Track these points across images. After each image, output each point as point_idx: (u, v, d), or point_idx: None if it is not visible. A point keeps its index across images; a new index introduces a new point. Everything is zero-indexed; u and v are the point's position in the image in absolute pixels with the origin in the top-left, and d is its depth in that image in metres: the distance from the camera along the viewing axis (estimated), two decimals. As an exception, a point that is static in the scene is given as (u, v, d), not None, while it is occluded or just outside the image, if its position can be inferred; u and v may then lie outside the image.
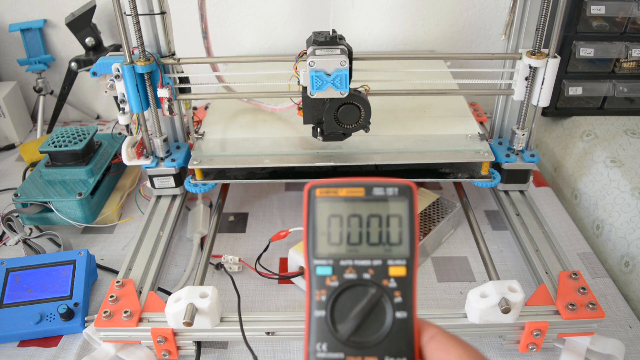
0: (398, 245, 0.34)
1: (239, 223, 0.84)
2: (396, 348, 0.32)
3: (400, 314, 0.33)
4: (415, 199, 0.33)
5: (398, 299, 0.33)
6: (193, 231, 0.79)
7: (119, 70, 0.68)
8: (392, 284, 0.33)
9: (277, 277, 0.72)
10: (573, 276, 0.62)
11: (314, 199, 0.34)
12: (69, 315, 0.64)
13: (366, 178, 0.34)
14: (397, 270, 0.33)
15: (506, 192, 0.79)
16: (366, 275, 0.33)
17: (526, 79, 0.71)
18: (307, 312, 0.34)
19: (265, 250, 0.74)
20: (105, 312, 0.58)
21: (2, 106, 1.03)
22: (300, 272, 0.69)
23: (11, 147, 1.06)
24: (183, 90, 0.74)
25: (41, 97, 1.08)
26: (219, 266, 0.73)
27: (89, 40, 1.00)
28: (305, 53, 0.65)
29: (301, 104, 0.68)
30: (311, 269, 0.34)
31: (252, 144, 0.76)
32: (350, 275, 0.34)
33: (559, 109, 0.96)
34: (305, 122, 0.70)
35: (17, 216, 0.78)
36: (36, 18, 1.06)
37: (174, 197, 0.80)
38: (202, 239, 0.79)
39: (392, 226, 0.34)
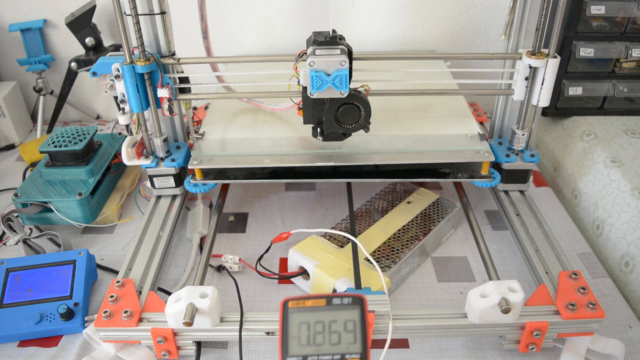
0: (353, 343, 0.43)
1: (239, 223, 0.84)
2: None
3: None
4: (365, 306, 0.44)
5: None
6: (193, 231, 0.79)
7: (119, 70, 0.68)
8: None
9: (277, 277, 0.72)
10: (573, 276, 0.62)
11: (287, 309, 0.44)
12: (69, 315, 0.64)
13: (328, 294, 0.45)
14: None
15: (506, 192, 0.79)
16: None
17: (526, 79, 0.71)
18: None
19: (266, 251, 0.74)
20: (105, 312, 0.58)
21: (2, 106, 1.03)
22: (301, 272, 0.69)
23: (11, 147, 1.06)
24: (183, 90, 0.74)
25: (41, 97, 1.08)
26: (220, 268, 0.73)
27: (89, 40, 1.00)
28: (305, 53, 0.65)
29: (301, 104, 0.68)
30: None
31: (252, 144, 0.76)
32: None
33: (559, 109, 0.96)
34: (305, 122, 0.70)
35: (17, 216, 0.78)
36: (36, 18, 1.06)
37: (174, 197, 0.80)
38: (202, 239, 0.79)
39: (347, 328, 0.43)
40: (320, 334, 0.43)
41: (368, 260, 0.68)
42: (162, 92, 0.71)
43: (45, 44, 1.08)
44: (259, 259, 0.73)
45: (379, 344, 0.62)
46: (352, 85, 0.66)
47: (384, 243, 0.71)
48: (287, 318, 0.44)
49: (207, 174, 0.75)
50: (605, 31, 0.88)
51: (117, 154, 0.87)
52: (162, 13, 0.70)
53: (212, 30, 0.77)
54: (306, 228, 0.74)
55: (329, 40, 0.64)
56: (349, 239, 0.71)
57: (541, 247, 0.68)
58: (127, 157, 0.74)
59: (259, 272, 0.72)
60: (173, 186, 0.79)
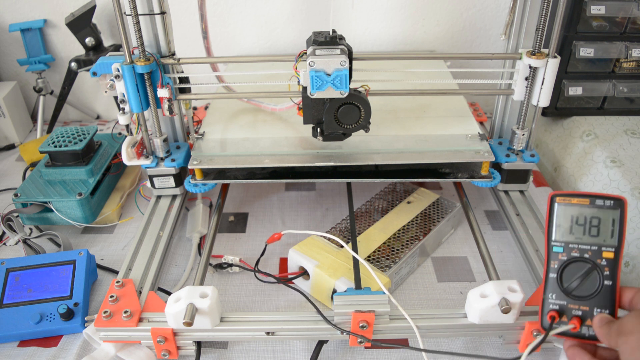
0: (610, 238, 0.51)
1: (239, 223, 0.84)
2: (603, 303, 0.51)
3: (607, 282, 0.51)
4: (625, 209, 0.50)
5: (607, 272, 0.51)
6: (192, 231, 0.79)
7: (119, 70, 0.68)
8: (603, 262, 0.51)
9: (276, 281, 0.72)
10: (573, 276, 0.62)
11: (554, 202, 0.52)
12: (69, 315, 0.64)
13: (591, 192, 0.51)
14: (607, 254, 0.51)
15: (506, 192, 0.79)
16: (586, 255, 0.51)
17: (526, 79, 0.71)
18: (544, 275, 0.53)
19: (262, 254, 0.74)
20: (105, 312, 0.58)
21: (2, 106, 1.03)
22: (301, 273, 0.69)
23: (11, 147, 1.06)
24: (183, 90, 0.74)
25: (41, 97, 1.08)
26: (223, 265, 0.73)
27: (89, 40, 1.00)
28: (305, 53, 0.65)
29: (301, 104, 0.68)
30: (549, 247, 0.53)
31: (252, 144, 0.76)
32: (575, 254, 0.51)
33: (559, 109, 0.96)
34: (305, 122, 0.70)
35: (17, 216, 0.78)
36: (36, 18, 1.06)
37: (174, 197, 0.80)
38: (202, 239, 0.79)
39: (607, 226, 0.51)
40: (581, 227, 0.51)
41: (367, 260, 0.68)
42: (162, 92, 0.71)
43: (45, 44, 1.08)
44: (257, 263, 0.73)
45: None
46: (352, 85, 0.66)
47: (384, 243, 0.71)
48: (554, 209, 0.52)
49: (207, 174, 0.75)
50: (605, 31, 0.88)
51: (117, 154, 0.87)
52: (162, 13, 0.70)
53: (212, 30, 0.77)
54: (305, 228, 0.74)
55: (329, 40, 0.64)
56: (348, 239, 0.71)
57: (541, 247, 0.68)
58: (127, 157, 0.74)
59: (257, 278, 0.71)
60: (173, 186, 0.79)
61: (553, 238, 0.52)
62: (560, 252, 0.52)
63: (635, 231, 0.72)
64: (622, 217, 0.50)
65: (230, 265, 0.73)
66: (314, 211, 0.86)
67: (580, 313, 0.52)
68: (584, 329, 0.52)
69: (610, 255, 0.50)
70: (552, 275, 0.53)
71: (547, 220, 0.53)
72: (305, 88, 0.65)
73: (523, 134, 0.76)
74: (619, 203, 0.50)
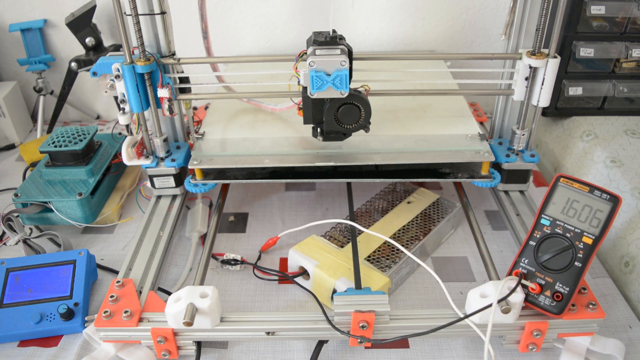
0: (594, 227, 0.55)
1: (239, 223, 0.84)
2: (566, 280, 0.55)
3: (578, 263, 0.55)
4: (618, 207, 0.55)
5: (580, 255, 0.55)
6: (192, 230, 0.79)
7: (119, 70, 0.68)
8: (581, 245, 0.55)
9: (276, 279, 0.72)
10: (573, 276, 0.62)
11: (558, 182, 0.58)
12: (69, 315, 0.64)
13: (594, 184, 0.57)
14: (587, 239, 0.55)
15: (506, 192, 0.79)
16: (567, 235, 0.56)
17: (526, 79, 0.71)
18: (525, 241, 0.58)
19: (258, 259, 0.74)
20: (105, 312, 0.58)
21: (2, 106, 1.03)
22: (301, 272, 0.69)
23: (11, 147, 1.06)
24: (183, 90, 0.74)
25: (41, 97, 1.08)
26: (231, 262, 0.73)
27: (89, 40, 1.00)
28: (306, 53, 0.65)
29: (301, 104, 0.68)
30: (539, 217, 0.58)
31: (252, 144, 0.76)
32: (558, 230, 0.57)
33: (559, 109, 0.96)
34: (305, 122, 0.70)
35: (17, 216, 0.78)
36: (36, 18, 1.06)
37: (174, 197, 0.80)
38: (201, 238, 0.79)
39: (596, 215, 0.55)
40: (573, 210, 0.56)
41: (367, 260, 0.68)
42: (162, 92, 0.71)
43: (45, 44, 1.08)
44: (254, 266, 0.73)
45: (379, 344, 0.62)
46: (352, 85, 0.66)
47: (384, 243, 0.71)
48: (555, 188, 0.58)
49: (207, 174, 0.75)
50: (605, 31, 0.88)
51: (117, 154, 0.87)
52: (162, 13, 0.70)
53: (212, 30, 0.77)
54: (305, 228, 0.74)
55: (329, 40, 0.64)
56: (348, 239, 0.71)
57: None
58: (127, 157, 0.74)
59: (257, 276, 0.71)
60: (173, 186, 0.79)
61: (545, 212, 0.57)
62: (547, 224, 0.57)
63: (636, 231, 0.72)
64: (612, 212, 0.55)
65: (241, 262, 0.73)
66: (314, 211, 0.86)
67: (543, 282, 0.56)
68: (542, 297, 0.56)
69: (589, 241, 0.55)
70: (532, 243, 0.58)
71: (546, 194, 0.58)
72: (305, 88, 0.65)
73: (523, 134, 0.76)
74: (613, 199, 0.55)
